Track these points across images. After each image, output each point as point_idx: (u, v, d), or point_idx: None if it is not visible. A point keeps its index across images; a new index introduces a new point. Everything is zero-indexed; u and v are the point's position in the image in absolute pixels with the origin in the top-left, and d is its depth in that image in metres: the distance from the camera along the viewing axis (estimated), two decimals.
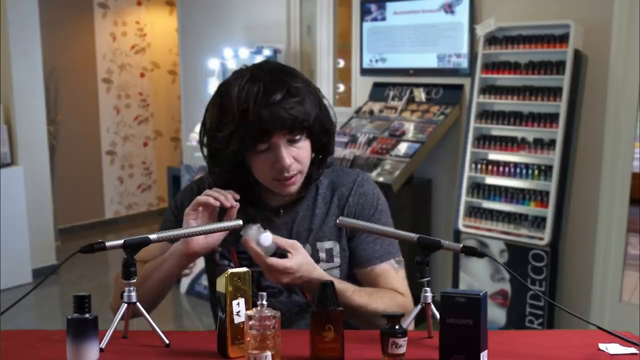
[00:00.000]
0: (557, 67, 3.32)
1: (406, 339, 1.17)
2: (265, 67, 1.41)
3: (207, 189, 1.41)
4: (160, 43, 6.76)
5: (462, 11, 3.81)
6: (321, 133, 1.44)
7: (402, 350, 1.16)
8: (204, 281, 4.36)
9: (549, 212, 3.26)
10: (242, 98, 1.34)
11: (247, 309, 1.20)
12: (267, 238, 1.32)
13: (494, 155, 3.54)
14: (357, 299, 1.40)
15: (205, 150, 1.45)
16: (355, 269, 1.50)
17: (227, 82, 1.42)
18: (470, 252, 1.26)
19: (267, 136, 1.35)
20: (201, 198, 1.36)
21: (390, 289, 1.47)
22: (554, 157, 3.27)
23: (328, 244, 1.48)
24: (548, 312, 3.26)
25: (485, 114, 3.56)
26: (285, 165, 1.37)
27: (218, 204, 1.36)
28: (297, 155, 1.39)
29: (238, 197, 1.38)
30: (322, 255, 1.47)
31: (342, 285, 1.38)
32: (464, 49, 3.84)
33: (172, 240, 1.39)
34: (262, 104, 1.33)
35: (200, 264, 4.43)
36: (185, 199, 1.50)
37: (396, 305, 1.43)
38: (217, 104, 1.41)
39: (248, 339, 1.13)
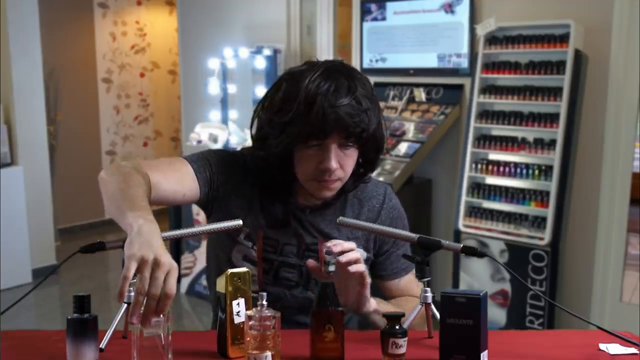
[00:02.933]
0: (557, 67, 3.32)
1: (406, 339, 1.17)
2: (340, 67, 1.39)
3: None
4: (160, 43, 6.76)
5: (462, 11, 3.81)
6: (372, 149, 1.43)
7: (402, 350, 1.16)
8: (204, 281, 4.35)
9: (549, 212, 3.26)
10: (311, 90, 1.33)
11: (247, 309, 1.20)
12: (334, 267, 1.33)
13: (494, 155, 3.53)
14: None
15: (254, 130, 1.44)
16: (383, 280, 1.56)
17: (298, 70, 1.40)
18: (470, 252, 1.26)
19: (323, 135, 1.34)
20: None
21: (412, 296, 1.54)
22: (554, 157, 3.27)
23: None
24: (548, 312, 3.26)
25: (486, 114, 3.56)
26: (331, 167, 1.36)
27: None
28: (343, 161, 1.39)
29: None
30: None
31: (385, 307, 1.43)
32: (464, 49, 3.84)
33: (173, 239, 1.38)
34: (329, 103, 1.32)
35: (200, 264, 4.43)
36: (227, 167, 1.46)
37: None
38: (282, 89, 1.39)
39: (248, 339, 1.13)
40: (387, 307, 1.45)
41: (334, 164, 1.36)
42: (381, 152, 1.47)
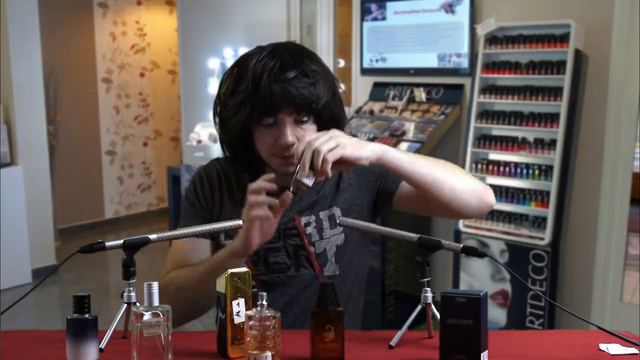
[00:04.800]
0: (557, 66, 3.32)
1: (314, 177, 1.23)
2: (287, 46, 1.43)
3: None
4: (160, 43, 6.76)
5: (463, 11, 3.81)
6: (329, 120, 1.45)
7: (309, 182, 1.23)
8: None
9: (550, 212, 3.25)
10: (257, 69, 1.37)
11: (247, 309, 1.20)
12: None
13: (494, 155, 3.53)
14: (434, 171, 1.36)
15: (217, 118, 1.48)
16: (396, 198, 1.49)
17: (247, 53, 1.44)
18: (470, 252, 1.26)
19: (274, 110, 1.37)
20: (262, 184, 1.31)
21: None
22: (555, 157, 3.27)
23: (330, 211, 1.49)
24: (549, 312, 3.26)
25: (486, 114, 3.56)
26: (288, 142, 1.38)
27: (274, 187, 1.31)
28: (301, 137, 1.41)
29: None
30: (325, 223, 1.48)
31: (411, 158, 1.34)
32: (465, 49, 3.84)
33: (174, 239, 1.40)
34: (275, 78, 1.35)
35: None
36: (199, 186, 1.54)
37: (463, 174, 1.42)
38: (233, 73, 1.44)
39: (248, 339, 1.13)
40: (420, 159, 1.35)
41: (290, 138, 1.38)
42: (341, 125, 1.48)
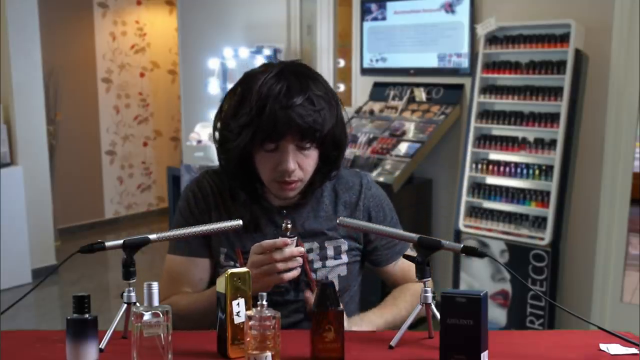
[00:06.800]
0: (557, 66, 3.32)
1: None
2: (294, 68, 1.40)
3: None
4: (160, 43, 6.76)
5: (463, 11, 3.81)
6: (332, 146, 1.43)
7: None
8: None
9: (550, 212, 3.25)
10: (262, 93, 1.33)
11: (247, 309, 1.20)
12: None
13: (494, 155, 3.53)
14: (391, 319, 1.47)
15: (217, 134, 1.45)
16: (378, 267, 1.55)
17: (253, 73, 1.41)
18: (470, 252, 1.26)
19: (277, 137, 1.34)
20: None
21: (410, 278, 1.52)
22: (555, 157, 3.27)
23: (336, 242, 1.48)
24: (549, 312, 3.26)
25: (486, 114, 3.56)
26: (289, 169, 1.37)
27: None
28: (302, 162, 1.39)
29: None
30: (330, 252, 1.48)
31: (379, 320, 1.46)
32: (465, 49, 3.84)
33: (174, 239, 1.41)
34: (281, 105, 1.32)
35: None
36: (193, 203, 1.52)
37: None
38: (237, 92, 1.41)
39: (248, 339, 1.13)
40: (375, 318, 1.45)
41: (291, 165, 1.37)
42: (343, 149, 1.47)
